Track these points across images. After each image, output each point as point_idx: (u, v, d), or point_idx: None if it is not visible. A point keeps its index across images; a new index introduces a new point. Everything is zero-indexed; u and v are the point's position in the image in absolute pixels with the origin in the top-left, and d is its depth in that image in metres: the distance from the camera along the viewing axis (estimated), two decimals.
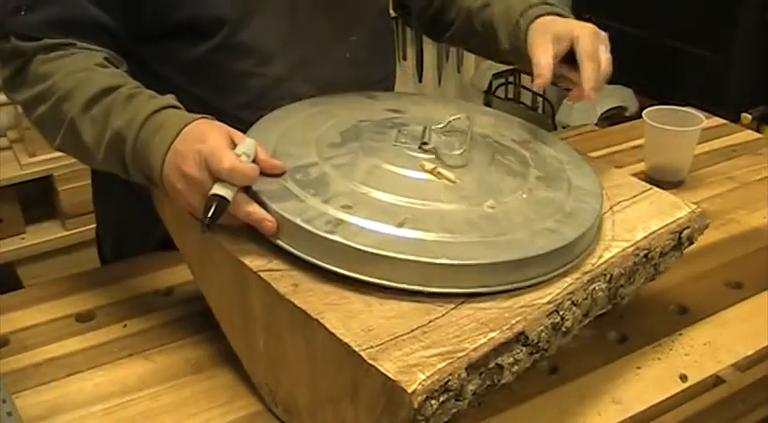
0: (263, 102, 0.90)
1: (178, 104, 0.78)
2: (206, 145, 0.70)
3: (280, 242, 0.70)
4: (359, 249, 0.67)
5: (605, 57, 0.86)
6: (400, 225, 0.70)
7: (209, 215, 0.68)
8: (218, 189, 0.69)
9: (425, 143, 0.79)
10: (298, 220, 0.69)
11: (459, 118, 0.82)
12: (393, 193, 0.73)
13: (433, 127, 0.81)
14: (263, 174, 0.72)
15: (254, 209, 0.70)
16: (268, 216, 0.70)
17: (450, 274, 0.68)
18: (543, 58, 0.85)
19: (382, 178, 0.75)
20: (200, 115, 0.75)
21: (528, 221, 0.74)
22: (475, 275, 0.68)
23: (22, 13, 0.81)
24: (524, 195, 0.77)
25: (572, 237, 0.73)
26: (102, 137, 0.77)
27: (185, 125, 0.73)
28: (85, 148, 0.79)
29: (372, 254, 0.67)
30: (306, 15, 0.93)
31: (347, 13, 0.97)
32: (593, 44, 0.85)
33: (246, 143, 0.72)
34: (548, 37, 0.87)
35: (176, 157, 0.72)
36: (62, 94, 0.79)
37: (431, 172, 0.76)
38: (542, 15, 0.91)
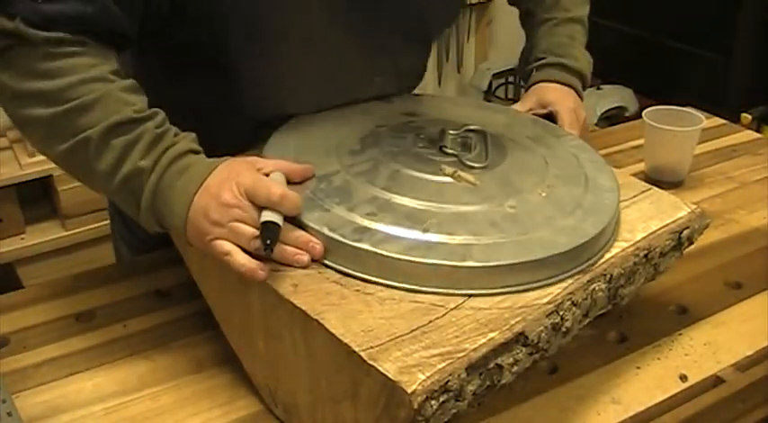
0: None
1: (199, 149, 0.77)
2: (245, 178, 0.71)
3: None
4: (387, 256, 0.68)
5: (581, 126, 1.03)
6: (425, 230, 0.71)
7: (270, 240, 0.67)
8: (268, 216, 0.69)
9: (444, 146, 0.82)
10: (325, 230, 0.71)
11: (477, 128, 0.86)
12: (416, 198, 0.75)
13: (450, 131, 0.84)
14: (296, 183, 0.75)
15: (301, 233, 0.71)
16: (314, 239, 0.70)
17: (477, 276, 0.69)
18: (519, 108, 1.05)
19: (404, 183, 0.77)
20: (223, 158, 0.75)
21: (549, 220, 0.75)
22: (500, 276, 0.69)
23: (40, 0, 0.74)
24: (543, 194, 0.79)
25: (593, 232, 0.74)
26: (119, 168, 0.74)
27: (215, 166, 0.74)
28: (97, 173, 0.75)
29: (400, 260, 0.68)
30: (332, 55, 0.89)
31: (378, 54, 0.94)
32: (571, 119, 1.02)
33: (276, 175, 0.74)
34: (533, 99, 1.06)
35: (207, 194, 0.71)
36: (73, 106, 0.73)
37: (451, 175, 0.78)
38: (542, 81, 1.08)
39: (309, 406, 0.70)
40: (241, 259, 0.69)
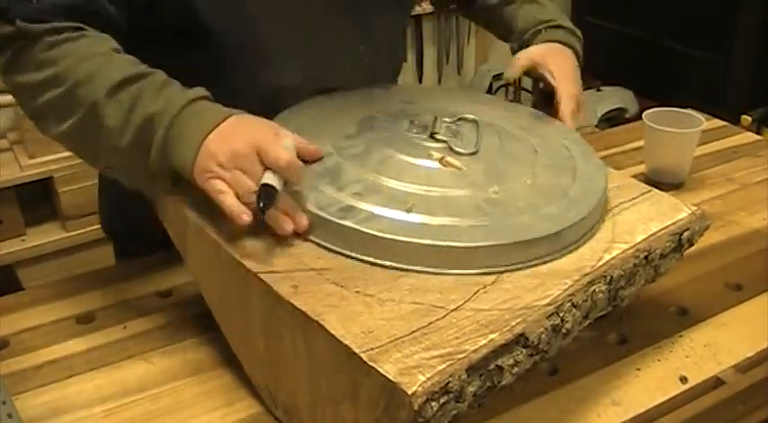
0: (270, 110, 0.90)
1: (211, 97, 0.78)
2: (260, 134, 0.74)
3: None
4: (369, 234, 0.71)
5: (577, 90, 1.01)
6: (408, 210, 0.73)
7: (266, 203, 0.70)
8: (269, 179, 0.71)
9: (435, 133, 0.84)
10: (312, 208, 0.74)
11: (469, 117, 0.88)
12: (403, 181, 0.77)
13: (445, 118, 0.87)
14: (306, 162, 0.77)
15: (294, 203, 0.74)
16: (304, 214, 0.73)
17: (458, 257, 0.71)
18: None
19: (393, 167, 0.79)
20: (238, 110, 0.77)
21: (532, 206, 0.77)
22: (480, 257, 0.71)
23: (31, 1, 0.79)
24: (529, 181, 0.81)
25: (574, 220, 0.76)
26: (128, 121, 0.76)
27: (230, 115, 0.75)
28: (107, 132, 0.76)
29: (382, 238, 0.71)
30: (317, 25, 0.93)
31: (359, 21, 0.97)
32: (570, 98, 0.98)
33: (290, 139, 0.76)
34: (527, 56, 1.03)
35: (221, 138, 0.74)
36: (80, 79, 0.77)
37: (439, 161, 0.80)
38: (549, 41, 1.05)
39: (309, 407, 0.70)
40: (231, 200, 0.72)
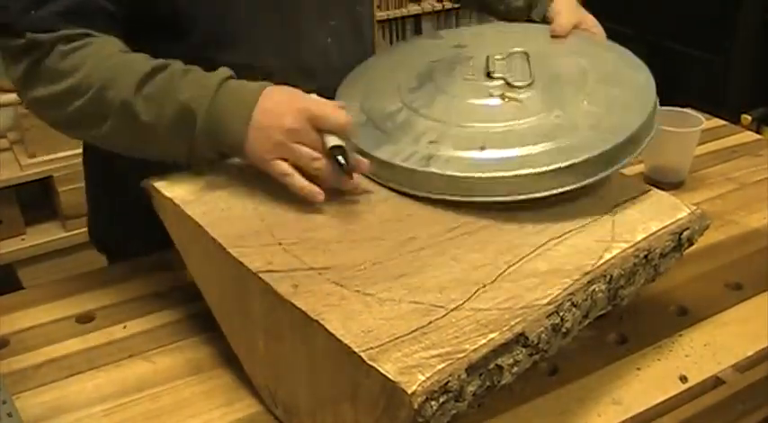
0: None
1: (234, 74, 0.81)
2: (309, 103, 0.78)
3: (391, 185, 0.83)
4: (453, 176, 0.79)
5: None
6: (482, 148, 0.81)
7: (345, 160, 0.76)
8: (335, 141, 0.77)
9: (491, 72, 0.91)
10: (397, 161, 0.82)
11: (518, 50, 0.95)
12: (471, 122, 0.85)
13: (496, 56, 0.94)
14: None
15: (355, 156, 0.79)
16: (365, 160, 0.80)
17: (538, 181, 0.79)
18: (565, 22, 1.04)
19: (460, 111, 0.87)
20: (267, 83, 0.80)
21: (594, 121, 0.84)
22: (558, 178, 0.79)
23: (32, 12, 0.80)
24: (585, 100, 0.87)
25: (637, 124, 0.83)
26: (163, 112, 0.78)
27: (263, 87, 0.79)
28: (144, 128, 0.78)
29: (465, 178, 0.79)
30: (290, 6, 0.94)
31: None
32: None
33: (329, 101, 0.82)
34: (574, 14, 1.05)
35: (268, 114, 0.77)
36: (103, 84, 0.79)
37: (500, 97, 0.88)
38: None
39: (309, 407, 0.70)
40: (301, 182, 0.77)
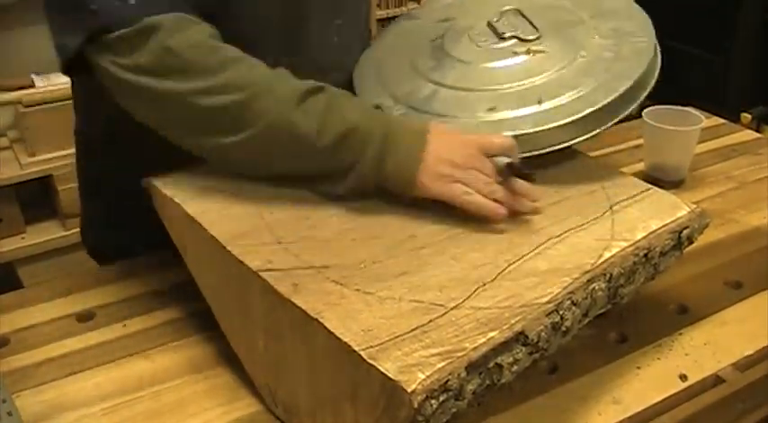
0: None
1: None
2: (470, 135, 0.81)
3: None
4: (523, 133, 0.84)
5: None
6: (540, 102, 0.87)
7: (520, 172, 0.80)
8: (505, 159, 0.80)
9: (502, 34, 0.95)
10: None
11: (508, 8, 1.00)
12: (515, 81, 0.90)
13: (493, 19, 0.97)
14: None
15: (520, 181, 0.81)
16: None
17: (599, 118, 0.86)
18: None
19: (496, 75, 0.91)
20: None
21: (616, 51, 0.91)
22: (616, 108, 0.87)
23: (131, 1, 0.78)
24: (596, 36, 0.94)
25: (650, 53, 0.91)
26: (327, 128, 0.78)
27: (431, 122, 0.83)
28: (299, 141, 0.78)
29: (535, 132, 0.85)
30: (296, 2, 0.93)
31: None
32: None
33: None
34: None
35: (443, 144, 0.79)
36: (255, 91, 0.78)
37: (526, 53, 0.93)
38: None
39: (310, 406, 0.70)
40: (481, 200, 0.78)
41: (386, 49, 1.03)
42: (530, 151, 0.85)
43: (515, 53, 0.93)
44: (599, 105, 0.86)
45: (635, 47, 0.92)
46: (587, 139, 0.87)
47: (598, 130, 0.87)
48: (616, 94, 0.87)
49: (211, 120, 0.78)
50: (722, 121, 1.41)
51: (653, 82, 0.91)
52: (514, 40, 0.94)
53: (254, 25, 0.90)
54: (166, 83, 0.77)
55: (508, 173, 0.80)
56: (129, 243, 1.02)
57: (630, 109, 0.89)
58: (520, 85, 0.90)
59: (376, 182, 0.80)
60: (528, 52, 0.92)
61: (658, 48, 0.94)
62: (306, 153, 0.79)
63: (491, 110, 0.87)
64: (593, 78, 0.88)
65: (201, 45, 0.79)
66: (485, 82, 0.91)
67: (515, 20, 0.97)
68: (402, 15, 1.10)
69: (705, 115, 1.23)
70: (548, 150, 0.86)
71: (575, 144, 0.87)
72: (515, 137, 0.83)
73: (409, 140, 0.79)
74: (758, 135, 1.38)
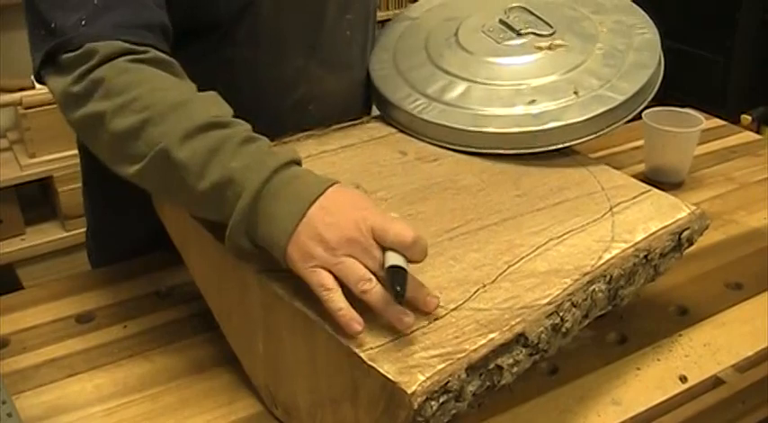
0: (289, 94, 0.93)
1: (299, 159, 0.70)
2: (374, 214, 0.65)
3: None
4: (573, 123, 0.89)
5: None
6: (576, 93, 0.90)
7: (401, 287, 0.61)
8: (396, 260, 0.62)
9: (520, 31, 0.98)
10: (514, 130, 0.89)
11: (515, 5, 1.02)
12: (546, 75, 0.93)
13: (500, 17, 1.00)
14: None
15: (418, 282, 0.65)
16: (432, 293, 0.66)
17: (631, 104, 0.92)
18: None
19: (526, 70, 0.94)
20: (334, 179, 0.68)
21: (627, 42, 0.96)
22: (647, 92, 0.94)
23: (83, 23, 0.74)
24: (605, 28, 0.98)
25: (657, 38, 0.98)
26: (206, 173, 0.67)
27: (330, 184, 0.67)
28: (183, 178, 0.68)
29: (582, 120, 0.89)
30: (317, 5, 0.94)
31: None
32: None
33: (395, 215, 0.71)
34: None
35: (325, 214, 0.64)
36: (152, 116, 0.70)
37: (548, 48, 0.96)
38: None
39: (309, 407, 0.70)
40: (341, 303, 0.62)
41: (398, 52, 1.03)
42: (574, 140, 0.89)
43: (539, 48, 0.96)
44: (631, 93, 0.91)
45: (643, 38, 0.97)
46: (622, 125, 0.92)
47: (630, 116, 0.92)
48: (643, 83, 0.92)
49: (112, 147, 0.73)
50: (722, 122, 1.41)
51: (662, 71, 0.96)
52: (532, 36, 0.97)
53: (266, 21, 0.90)
54: (84, 109, 0.73)
55: (391, 279, 0.61)
56: (132, 251, 1.02)
57: (652, 95, 0.94)
58: (551, 78, 0.93)
59: (251, 244, 0.68)
60: (550, 47, 0.96)
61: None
62: (189, 195, 0.69)
63: (531, 103, 0.90)
64: (616, 68, 0.93)
65: (119, 68, 0.73)
66: (516, 76, 0.93)
67: (526, 16, 1.00)
68: (395, 18, 1.10)
69: (705, 117, 1.23)
70: (588, 139, 0.90)
71: (611, 131, 0.91)
72: (561, 128, 0.88)
73: (288, 205, 0.65)
74: (758, 136, 1.38)
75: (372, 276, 0.63)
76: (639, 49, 0.96)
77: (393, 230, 0.63)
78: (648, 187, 0.87)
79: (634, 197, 0.85)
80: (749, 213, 1.11)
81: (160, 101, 0.70)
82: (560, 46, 0.96)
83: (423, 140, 0.93)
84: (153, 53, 0.75)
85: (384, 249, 0.63)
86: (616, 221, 0.80)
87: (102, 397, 0.79)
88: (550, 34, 0.98)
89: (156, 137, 0.69)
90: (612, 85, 0.92)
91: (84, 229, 1.14)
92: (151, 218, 0.84)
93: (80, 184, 1.10)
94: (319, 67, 0.96)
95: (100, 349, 0.86)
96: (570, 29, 0.99)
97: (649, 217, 0.81)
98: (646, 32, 0.98)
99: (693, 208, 0.83)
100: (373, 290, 0.62)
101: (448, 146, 0.92)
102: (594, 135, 0.90)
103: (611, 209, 0.82)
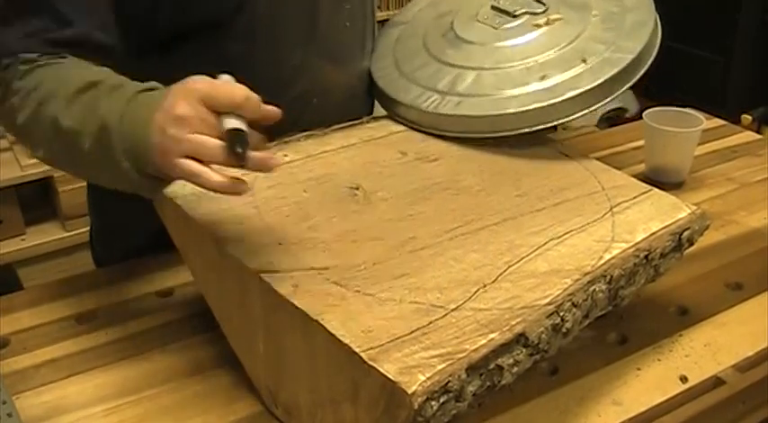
0: (290, 87, 0.92)
1: (161, 86, 0.71)
2: (200, 85, 0.64)
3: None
4: (587, 89, 0.89)
5: None
6: (584, 61, 0.91)
7: (241, 148, 0.61)
8: (233, 123, 0.62)
9: (514, 12, 0.99)
10: (532, 106, 0.89)
11: None
12: (551, 49, 0.94)
13: (496, 3, 1.01)
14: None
15: (260, 137, 0.65)
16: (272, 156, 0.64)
17: (636, 66, 0.92)
18: None
19: (530, 48, 0.95)
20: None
21: (621, 7, 0.97)
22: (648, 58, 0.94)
23: (25, 40, 0.75)
24: None
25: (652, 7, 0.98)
26: (85, 128, 0.70)
27: (171, 88, 0.67)
28: (74, 143, 0.70)
29: (592, 88, 0.89)
30: None
31: None
32: None
33: (227, 77, 0.69)
34: None
35: (164, 111, 0.65)
36: (44, 96, 0.72)
37: (546, 23, 0.97)
38: None
39: (310, 407, 0.70)
40: (215, 177, 0.63)
41: (398, 56, 1.04)
42: (592, 105, 0.90)
43: (537, 25, 0.97)
44: (636, 53, 0.92)
45: (639, 3, 0.98)
46: (635, 82, 0.93)
47: (639, 74, 0.93)
48: (645, 42, 0.93)
49: (23, 137, 0.76)
50: (722, 122, 1.41)
51: (659, 27, 0.98)
52: (527, 16, 0.99)
53: (262, 16, 0.90)
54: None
55: (229, 142, 0.62)
56: (136, 250, 1.02)
57: (656, 51, 0.95)
58: (557, 50, 0.94)
59: (148, 176, 0.69)
60: (548, 22, 0.97)
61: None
62: (87, 160, 0.71)
63: (543, 78, 0.90)
64: (616, 31, 0.94)
65: (23, 71, 0.75)
66: (522, 56, 0.95)
67: None
68: (387, 24, 1.11)
69: (705, 117, 1.23)
70: (603, 103, 0.90)
71: (626, 89, 0.92)
72: (578, 96, 0.88)
73: (141, 118, 0.67)
74: (758, 136, 1.38)
75: (217, 142, 0.63)
76: (633, 9, 0.97)
77: (221, 94, 0.63)
78: (649, 187, 0.87)
79: (634, 197, 0.85)
80: (749, 213, 1.11)
81: (51, 80, 0.73)
82: (557, 19, 0.97)
83: (444, 136, 0.93)
84: (63, 60, 0.76)
85: (220, 115, 0.63)
86: (616, 221, 0.80)
87: (102, 397, 0.79)
88: (544, 11, 0.99)
89: (48, 114, 0.72)
90: (618, 46, 0.93)
91: (84, 229, 1.15)
92: (152, 218, 0.84)
93: (80, 185, 1.10)
94: (319, 58, 0.96)
95: (100, 349, 0.86)
96: (562, 2, 1.00)
97: (650, 217, 0.81)
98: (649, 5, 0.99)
99: (694, 208, 0.83)
100: (221, 155, 0.62)
101: (471, 135, 0.92)
102: (610, 98, 0.91)
103: (611, 209, 0.82)
